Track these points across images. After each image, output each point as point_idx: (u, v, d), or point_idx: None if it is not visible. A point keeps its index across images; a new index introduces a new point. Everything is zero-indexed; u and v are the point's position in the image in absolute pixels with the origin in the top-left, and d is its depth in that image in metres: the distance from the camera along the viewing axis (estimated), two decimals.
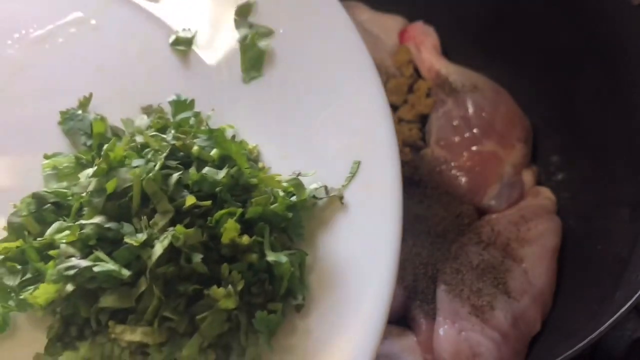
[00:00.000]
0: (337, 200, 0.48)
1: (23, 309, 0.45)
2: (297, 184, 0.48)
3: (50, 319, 0.44)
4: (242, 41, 0.56)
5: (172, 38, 0.57)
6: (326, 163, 0.49)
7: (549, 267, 0.65)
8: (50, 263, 0.43)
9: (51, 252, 0.44)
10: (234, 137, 0.52)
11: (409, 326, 0.62)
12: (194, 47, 0.57)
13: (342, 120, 0.51)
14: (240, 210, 0.44)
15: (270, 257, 0.44)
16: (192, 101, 0.53)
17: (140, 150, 0.47)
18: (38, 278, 0.45)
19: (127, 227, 0.43)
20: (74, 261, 0.43)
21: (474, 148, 0.71)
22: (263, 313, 0.43)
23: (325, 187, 0.48)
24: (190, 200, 0.44)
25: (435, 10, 0.79)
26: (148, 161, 0.46)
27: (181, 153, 0.47)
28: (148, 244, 0.43)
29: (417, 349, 0.60)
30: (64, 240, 0.44)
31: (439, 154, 0.71)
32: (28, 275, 0.45)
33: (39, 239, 0.45)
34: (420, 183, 0.69)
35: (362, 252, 0.46)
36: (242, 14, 0.57)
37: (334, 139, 0.50)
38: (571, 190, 0.70)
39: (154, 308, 0.42)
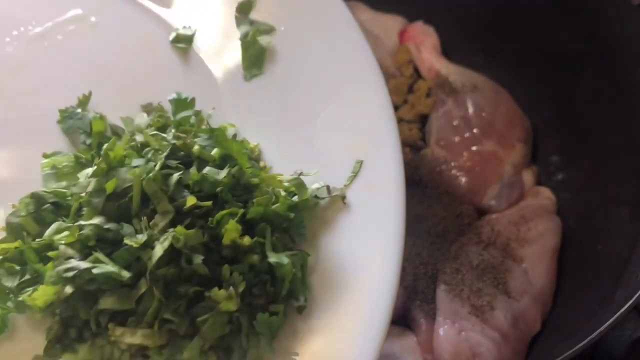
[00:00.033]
0: (339, 200, 0.47)
1: (22, 311, 0.44)
2: (298, 184, 0.47)
3: (50, 321, 0.44)
4: (243, 38, 0.55)
5: (173, 35, 0.57)
6: (328, 162, 0.49)
7: (549, 267, 0.64)
8: (49, 264, 0.43)
9: (50, 254, 0.43)
10: (235, 136, 0.51)
11: (409, 326, 0.62)
12: (194, 45, 0.56)
13: (345, 118, 0.50)
14: (241, 210, 0.44)
15: (272, 258, 0.43)
16: (193, 99, 0.53)
17: (140, 149, 0.47)
18: (37, 279, 0.44)
19: (127, 228, 0.43)
20: (73, 262, 0.42)
21: (474, 148, 0.70)
22: (264, 315, 0.43)
23: (328, 187, 0.48)
24: (190, 200, 0.43)
25: (435, 10, 0.79)
26: (148, 161, 0.45)
27: (182, 152, 0.46)
28: (148, 245, 0.42)
29: (417, 349, 0.60)
30: (63, 241, 0.43)
31: (439, 154, 0.70)
32: (27, 277, 0.45)
33: (37, 239, 0.45)
34: (420, 183, 0.69)
35: (364, 253, 0.45)
36: (243, 11, 0.56)
37: (336, 137, 0.50)
38: (571, 190, 0.70)
39: (154, 310, 0.42)
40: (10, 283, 0.44)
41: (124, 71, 0.55)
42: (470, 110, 0.72)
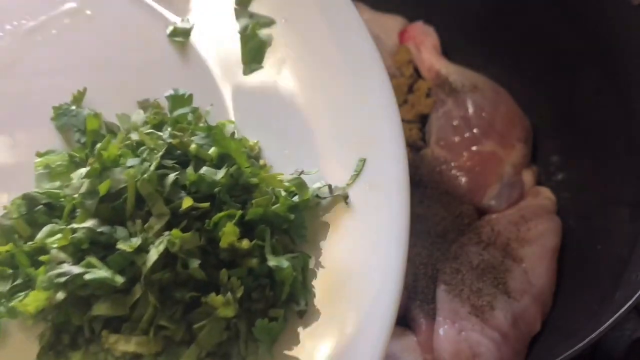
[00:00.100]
0: (341, 199, 0.45)
1: (14, 316, 0.42)
2: (299, 183, 0.45)
3: (43, 326, 0.42)
4: (243, 32, 0.53)
5: (170, 29, 0.54)
6: (330, 160, 0.46)
7: (549, 267, 0.63)
8: (41, 269, 0.41)
9: (42, 258, 0.41)
10: (233, 133, 0.49)
11: (409, 326, 0.61)
12: (192, 39, 0.54)
13: (347, 115, 0.48)
14: (239, 212, 0.42)
15: (272, 261, 0.41)
16: (190, 96, 0.50)
17: (135, 148, 0.44)
18: (29, 284, 0.42)
19: (120, 232, 0.41)
20: (66, 267, 0.40)
21: (474, 148, 0.69)
22: (264, 321, 0.40)
23: (329, 186, 0.45)
24: (187, 202, 0.41)
25: (435, 10, 0.78)
26: (143, 160, 0.43)
27: (178, 152, 0.44)
28: (143, 249, 0.40)
29: (417, 349, 0.59)
30: (55, 245, 0.41)
31: (439, 154, 0.69)
32: (19, 281, 0.43)
33: (29, 242, 0.43)
34: (420, 183, 0.68)
35: (367, 254, 0.43)
36: (243, 4, 0.54)
37: (338, 135, 0.47)
38: (571, 190, 0.69)
39: (149, 316, 0.40)
40: (2, 287, 0.42)
41: (120, 66, 0.53)
42: (470, 110, 0.71)
